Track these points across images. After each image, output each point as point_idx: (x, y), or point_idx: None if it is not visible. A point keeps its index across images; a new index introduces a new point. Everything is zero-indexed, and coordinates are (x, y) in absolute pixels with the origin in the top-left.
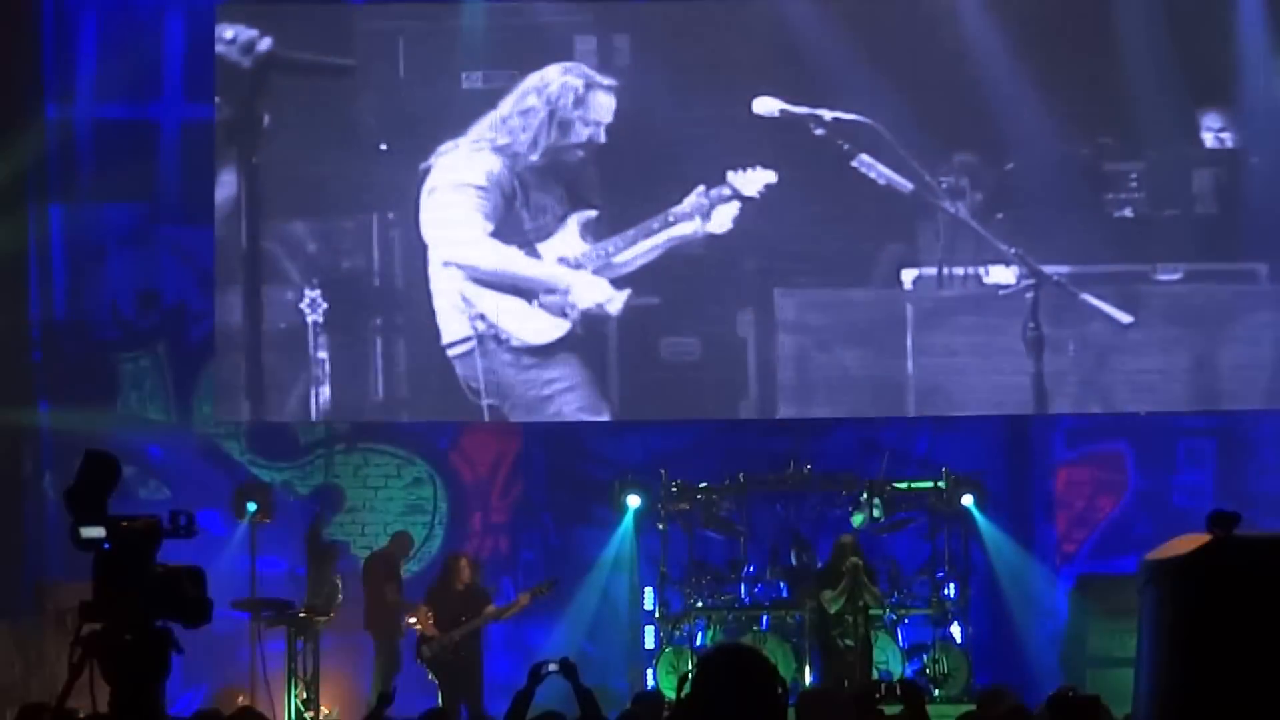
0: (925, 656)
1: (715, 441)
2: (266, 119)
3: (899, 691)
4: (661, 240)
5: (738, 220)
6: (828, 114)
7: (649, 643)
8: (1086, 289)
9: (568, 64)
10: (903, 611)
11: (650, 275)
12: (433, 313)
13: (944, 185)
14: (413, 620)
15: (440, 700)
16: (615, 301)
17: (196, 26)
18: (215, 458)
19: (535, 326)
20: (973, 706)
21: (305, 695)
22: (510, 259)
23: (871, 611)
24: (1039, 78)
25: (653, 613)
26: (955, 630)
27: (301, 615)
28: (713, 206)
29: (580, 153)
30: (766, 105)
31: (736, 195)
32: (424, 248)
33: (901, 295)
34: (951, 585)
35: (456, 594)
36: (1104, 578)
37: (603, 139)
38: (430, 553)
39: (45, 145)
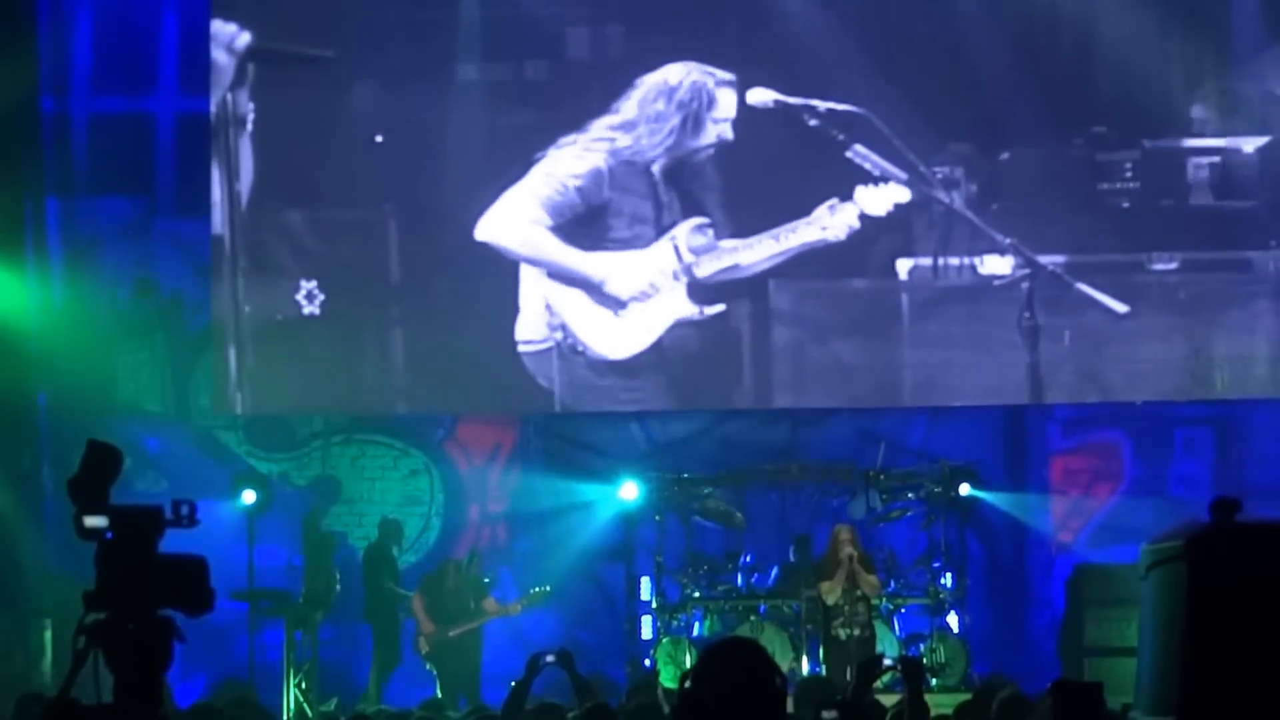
0: (922, 646)
1: (712, 432)
2: (262, 111)
3: (898, 666)
4: (788, 247)
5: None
6: (821, 105)
7: (646, 633)
8: (1082, 278)
9: (687, 63)
10: (899, 601)
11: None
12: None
13: (939, 176)
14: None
15: (439, 691)
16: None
17: (191, 19)
18: (213, 449)
19: (616, 340)
20: (970, 695)
21: (304, 685)
22: (596, 262)
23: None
24: (1033, 67)
25: (650, 603)
26: (952, 620)
27: (299, 605)
28: (835, 216)
29: (708, 152)
30: (760, 96)
31: (863, 214)
32: (424, 236)
33: (897, 285)
34: (948, 575)
35: (451, 589)
36: (1101, 567)
37: (730, 137)
38: (427, 544)
39: (41, 138)
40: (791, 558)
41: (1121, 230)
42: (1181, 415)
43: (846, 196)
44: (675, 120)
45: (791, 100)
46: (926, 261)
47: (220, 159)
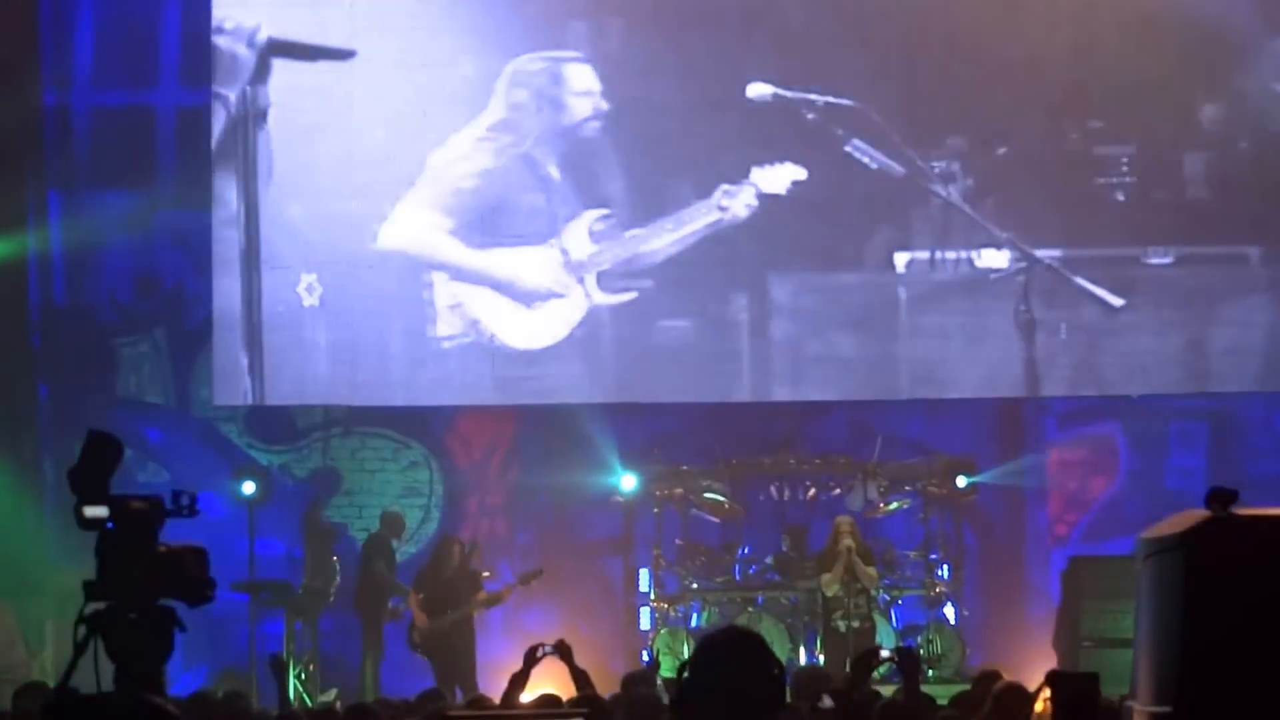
0: (919, 637)
1: (709, 424)
2: (262, 105)
3: (896, 658)
4: (681, 235)
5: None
6: (820, 98)
7: (644, 624)
8: (1078, 272)
9: (530, 54)
10: (896, 593)
11: (643, 260)
12: (425, 304)
13: (936, 170)
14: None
15: (435, 682)
16: (615, 299)
17: (192, 13)
18: (214, 441)
19: (532, 331)
20: (967, 687)
21: (304, 676)
22: (504, 261)
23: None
24: (1031, 61)
25: (648, 594)
26: (949, 611)
27: (300, 597)
28: (732, 198)
29: (584, 134)
30: (759, 90)
31: (760, 193)
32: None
33: (894, 279)
34: (945, 567)
35: (445, 578)
36: (1096, 559)
37: (603, 117)
38: (426, 535)
39: (43, 132)
40: (783, 547)
41: (1118, 224)
42: (1177, 408)
43: (744, 177)
44: (534, 105)
45: (790, 94)
46: (924, 255)
47: (220, 152)
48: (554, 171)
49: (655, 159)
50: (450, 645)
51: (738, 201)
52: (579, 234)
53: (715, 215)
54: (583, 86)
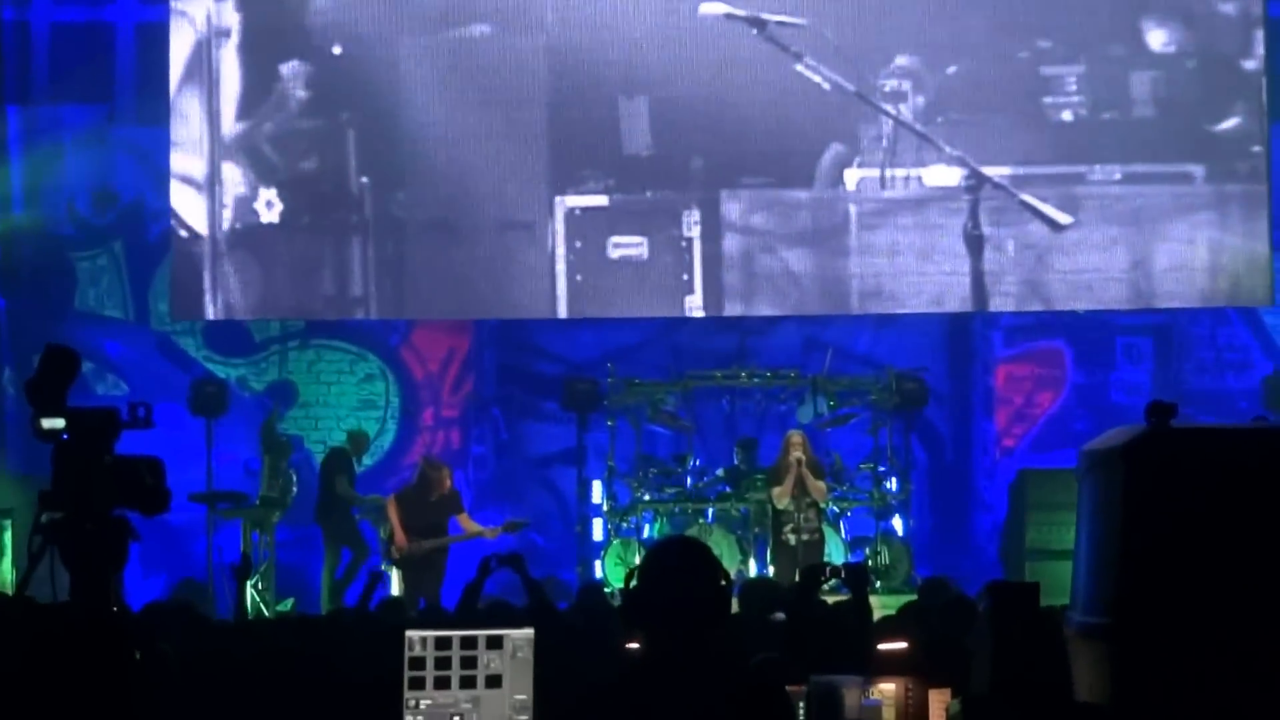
0: (867, 549)
1: (662, 338)
2: (222, 21)
3: (843, 574)
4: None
5: (682, 124)
6: (771, 17)
7: (597, 535)
8: (1026, 190)
9: None
10: (845, 505)
11: (598, 174)
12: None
13: (886, 88)
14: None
15: (399, 590)
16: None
17: None
18: (171, 354)
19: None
20: (914, 597)
21: (260, 586)
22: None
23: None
24: None
25: (600, 506)
26: (897, 523)
27: (257, 508)
28: None
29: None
30: (712, 8)
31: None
32: (384, 148)
33: (845, 196)
34: (893, 479)
35: (430, 503)
36: (1042, 472)
37: None
38: (382, 447)
39: (1, 47)
40: (735, 460)
41: (1065, 143)
42: (1123, 324)
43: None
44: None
45: (741, 12)
46: (874, 173)
47: (179, 67)
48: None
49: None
50: (424, 564)
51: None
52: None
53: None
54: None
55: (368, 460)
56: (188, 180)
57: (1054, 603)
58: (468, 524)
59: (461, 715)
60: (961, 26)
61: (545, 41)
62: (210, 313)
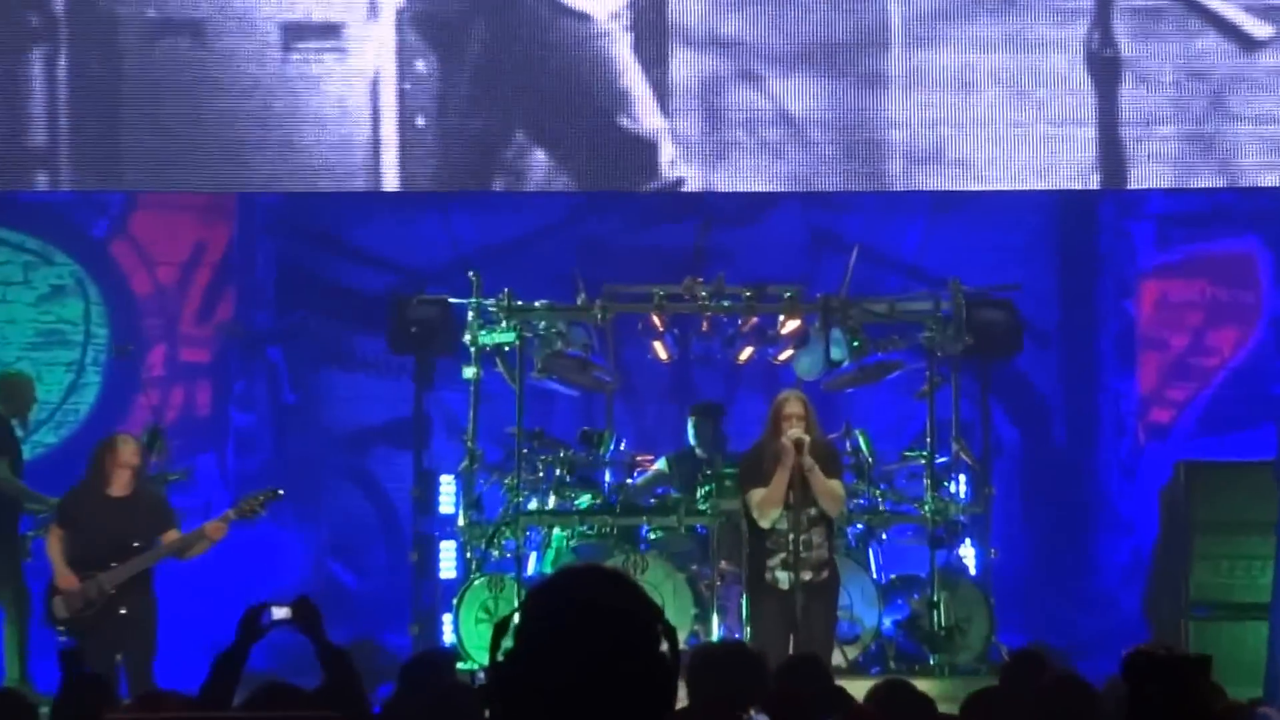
0: (915, 596)
1: (563, 230)
2: None
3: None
4: None
5: None
6: None
7: (447, 568)
8: None
9: None
10: (878, 521)
11: None
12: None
13: None
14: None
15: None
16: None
17: None
18: None
19: None
20: (994, 680)
21: None
22: None
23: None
24: None
25: (454, 519)
26: (967, 553)
27: None
28: None
29: None
30: None
31: None
32: None
33: None
34: (962, 477)
35: (111, 507)
36: (1218, 468)
37: None
38: (78, 412)
39: None
40: (690, 441)
41: None
42: None
43: None
44: None
45: None
46: None
47: None
48: None
49: None
50: (113, 617)
51: None
52: None
53: None
54: None
55: (49, 435)
56: None
57: (1235, 689)
58: (172, 537)
59: None
60: None
61: None
62: None
